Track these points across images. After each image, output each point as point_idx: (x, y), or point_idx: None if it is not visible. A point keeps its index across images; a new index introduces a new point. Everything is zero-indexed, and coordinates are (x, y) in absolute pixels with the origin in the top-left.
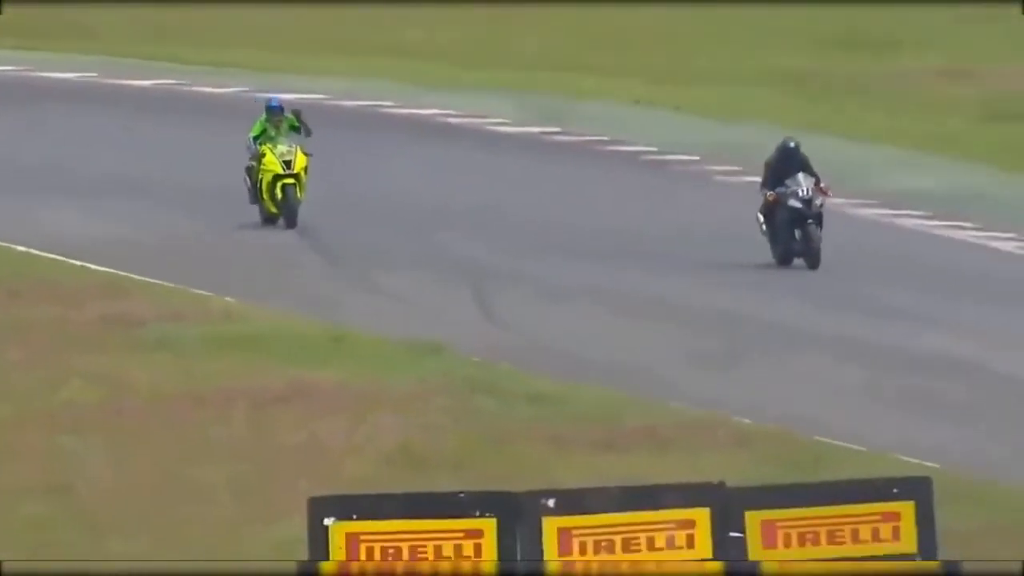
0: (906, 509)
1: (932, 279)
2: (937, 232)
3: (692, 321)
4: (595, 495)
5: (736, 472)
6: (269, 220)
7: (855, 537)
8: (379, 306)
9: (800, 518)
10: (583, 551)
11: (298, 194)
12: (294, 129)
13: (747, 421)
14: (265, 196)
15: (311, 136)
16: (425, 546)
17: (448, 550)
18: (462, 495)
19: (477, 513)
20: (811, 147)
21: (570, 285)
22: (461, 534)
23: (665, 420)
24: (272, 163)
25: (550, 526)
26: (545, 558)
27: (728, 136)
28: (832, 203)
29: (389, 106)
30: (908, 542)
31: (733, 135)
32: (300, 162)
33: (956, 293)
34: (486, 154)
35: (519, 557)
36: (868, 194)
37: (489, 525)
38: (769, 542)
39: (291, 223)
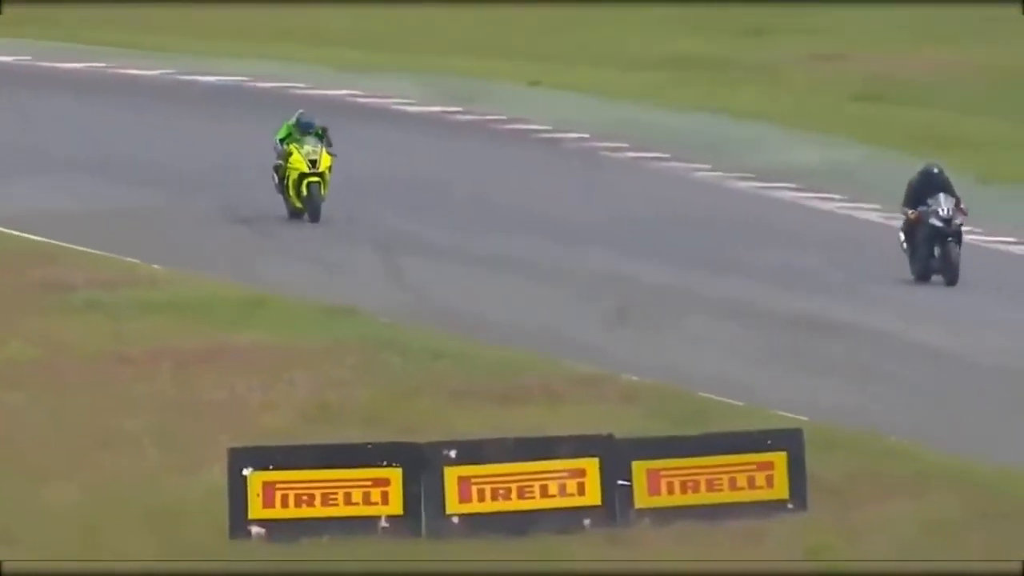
0: (779, 459)
1: (805, 247)
2: (808, 204)
3: (583, 284)
4: (493, 446)
5: (623, 425)
6: (295, 215)
7: (732, 485)
8: (295, 272)
9: (682, 467)
10: (482, 498)
11: (322, 191)
12: (318, 137)
13: (634, 378)
14: (291, 192)
15: (332, 147)
16: (336, 493)
17: (357, 497)
18: (370, 446)
19: (384, 463)
20: (694, 125)
21: (472, 251)
22: (369, 482)
23: (558, 376)
24: (298, 162)
25: (451, 475)
26: (447, 505)
27: (616, 115)
28: (711, 176)
29: (302, 88)
30: (781, 489)
31: (620, 114)
32: (325, 161)
33: (826, 258)
34: (393, 132)
35: (423, 504)
36: (745, 168)
37: (395, 474)
38: (654, 490)
39: (314, 218)
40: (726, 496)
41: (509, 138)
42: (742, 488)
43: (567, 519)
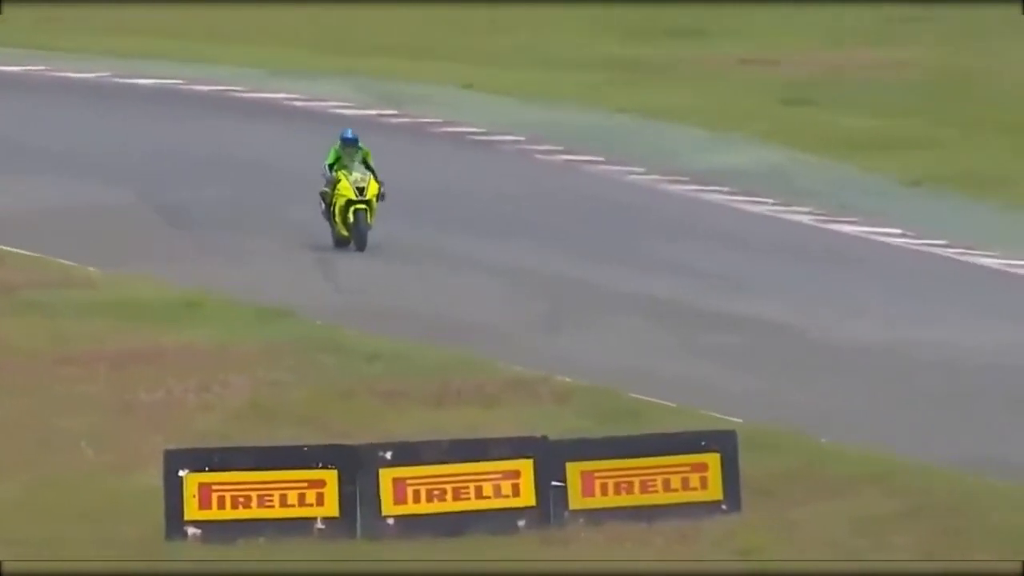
0: (713, 460)
1: (736, 248)
2: (740, 207)
3: (518, 285)
4: (428, 447)
5: (557, 426)
6: (340, 243)
7: (667, 486)
8: (231, 274)
9: (616, 468)
10: (417, 499)
11: (368, 219)
12: (365, 163)
13: (567, 379)
14: (338, 219)
15: (378, 175)
16: (272, 495)
17: (293, 499)
18: (305, 448)
19: (320, 464)
20: (627, 128)
21: (407, 252)
22: (305, 484)
23: (492, 378)
24: (346, 189)
25: (386, 476)
26: (382, 506)
27: (549, 118)
28: (645, 180)
29: (239, 90)
30: (714, 490)
31: (553, 117)
32: (372, 189)
33: (759, 260)
34: (330, 135)
35: (358, 505)
36: (678, 171)
37: (331, 476)
38: (588, 491)
39: (360, 246)
40: (660, 497)
41: (444, 140)
42: (676, 489)
43: (502, 520)
